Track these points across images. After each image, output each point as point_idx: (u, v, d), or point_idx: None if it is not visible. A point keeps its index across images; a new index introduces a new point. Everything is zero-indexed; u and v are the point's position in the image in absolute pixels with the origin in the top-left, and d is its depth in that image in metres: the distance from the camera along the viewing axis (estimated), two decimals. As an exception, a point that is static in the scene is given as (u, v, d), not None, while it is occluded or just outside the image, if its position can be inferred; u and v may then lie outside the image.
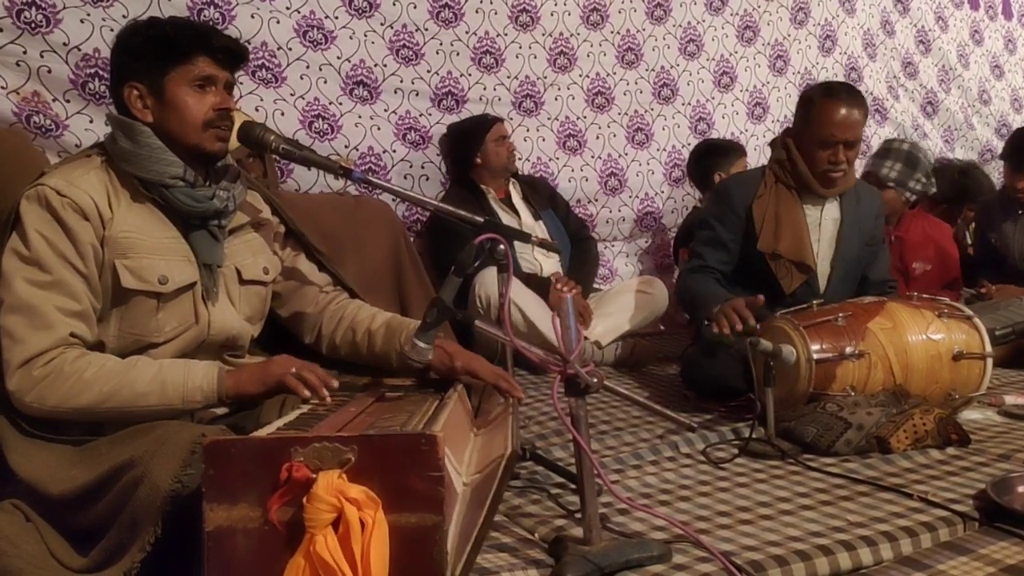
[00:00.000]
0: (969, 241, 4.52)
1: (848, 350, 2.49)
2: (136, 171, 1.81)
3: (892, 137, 4.11)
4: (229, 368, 1.80)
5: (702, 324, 2.77)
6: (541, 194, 4.03)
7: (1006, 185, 4.01)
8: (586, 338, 3.52)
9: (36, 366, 1.66)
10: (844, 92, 2.94)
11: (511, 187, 3.94)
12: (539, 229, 3.83)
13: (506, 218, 3.76)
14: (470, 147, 3.85)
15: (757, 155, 4.81)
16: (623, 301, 3.75)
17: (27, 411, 1.69)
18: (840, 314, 2.56)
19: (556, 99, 4.27)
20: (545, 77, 4.23)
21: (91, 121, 2.95)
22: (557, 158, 4.27)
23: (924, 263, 4.01)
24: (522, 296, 3.41)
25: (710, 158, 4.18)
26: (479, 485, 1.55)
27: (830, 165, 2.88)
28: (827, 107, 2.87)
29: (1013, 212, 3.99)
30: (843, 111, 2.85)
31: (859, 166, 4.80)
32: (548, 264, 3.81)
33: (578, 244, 4.02)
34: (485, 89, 4.04)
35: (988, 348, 2.60)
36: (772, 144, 3.15)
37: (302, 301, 2.11)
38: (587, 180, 4.29)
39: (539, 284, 3.59)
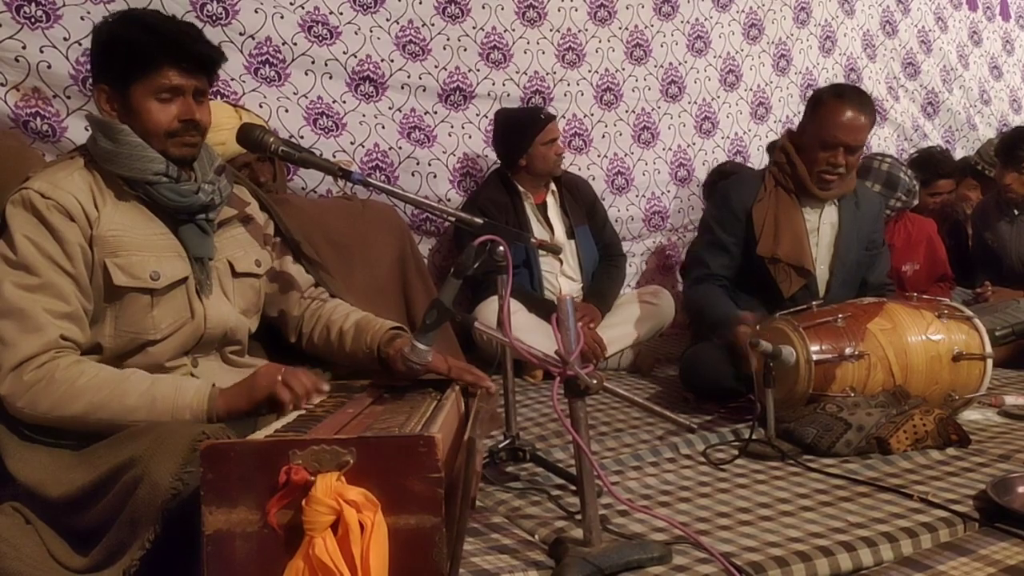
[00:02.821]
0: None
1: (848, 351, 2.49)
2: (118, 170, 1.80)
3: (873, 154, 4.11)
4: (221, 389, 1.75)
5: (714, 339, 2.82)
6: (580, 202, 3.86)
7: (996, 181, 4.02)
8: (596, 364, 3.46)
9: (27, 370, 1.65)
10: (854, 95, 2.93)
11: (550, 194, 3.79)
12: (569, 249, 3.72)
13: (538, 229, 3.67)
14: (516, 146, 3.67)
15: (760, 155, 4.80)
16: (629, 312, 3.68)
17: (19, 416, 1.68)
18: (839, 315, 2.56)
19: (566, 95, 4.26)
20: (554, 73, 4.21)
21: (91, 118, 2.95)
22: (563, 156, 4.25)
23: (913, 264, 4.04)
24: (529, 332, 3.13)
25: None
26: (452, 480, 1.56)
27: (827, 167, 2.87)
28: (834, 108, 2.86)
29: (1009, 213, 3.99)
30: (850, 113, 2.84)
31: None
32: (568, 288, 3.70)
33: (607, 260, 3.87)
34: (494, 84, 4.01)
35: (988, 349, 2.60)
36: (770, 148, 3.15)
37: (288, 301, 2.10)
38: (594, 179, 4.28)
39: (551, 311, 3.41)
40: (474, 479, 1.47)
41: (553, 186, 3.82)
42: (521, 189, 3.70)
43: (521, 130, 3.67)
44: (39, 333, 1.67)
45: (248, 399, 1.73)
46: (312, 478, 1.26)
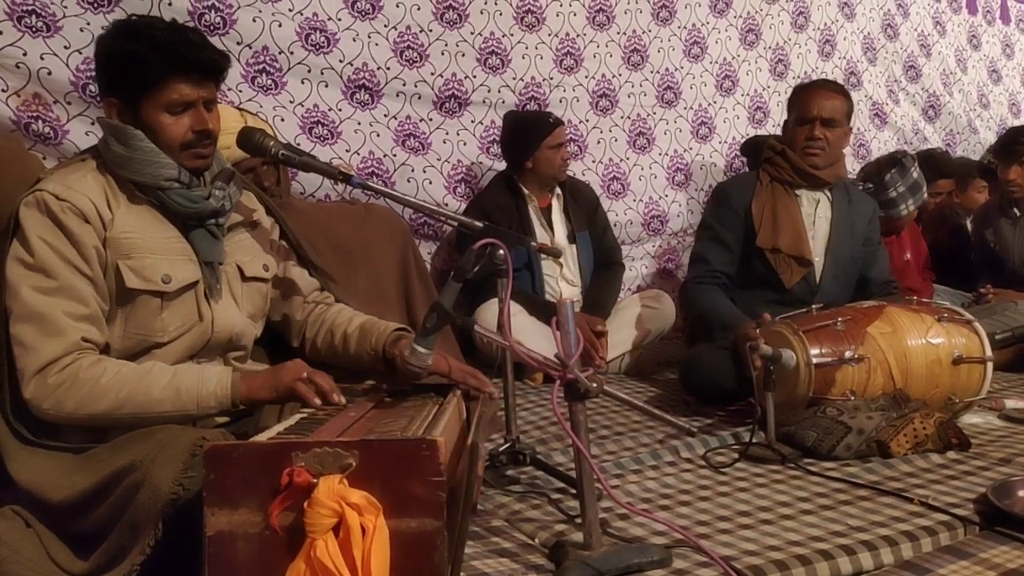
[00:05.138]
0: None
1: (848, 354, 2.49)
2: (130, 175, 1.80)
3: (904, 152, 4.21)
4: (242, 374, 1.77)
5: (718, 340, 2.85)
6: (583, 207, 3.87)
7: (999, 181, 4.04)
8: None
9: (51, 373, 1.65)
10: (825, 80, 3.32)
11: (555, 198, 3.80)
12: (570, 252, 3.74)
13: (540, 233, 3.68)
14: (523, 149, 3.69)
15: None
16: (629, 316, 3.68)
17: (45, 418, 1.68)
18: (839, 318, 2.56)
19: (561, 101, 4.25)
20: (551, 78, 4.21)
21: (92, 123, 2.94)
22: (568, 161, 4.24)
23: (907, 252, 4.14)
24: (529, 335, 3.09)
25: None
26: (454, 484, 1.56)
27: (808, 141, 3.04)
28: (806, 90, 3.15)
29: (1011, 214, 3.99)
30: (820, 92, 3.10)
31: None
32: (568, 292, 3.70)
33: (606, 268, 3.88)
34: (489, 91, 4.01)
35: (988, 352, 2.60)
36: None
37: (291, 306, 2.11)
38: (589, 184, 4.28)
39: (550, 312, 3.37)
40: (476, 483, 1.47)
41: (558, 190, 3.83)
42: (526, 192, 3.71)
43: (529, 133, 3.69)
44: (60, 337, 1.67)
45: (271, 389, 1.74)
46: (314, 480, 1.26)
